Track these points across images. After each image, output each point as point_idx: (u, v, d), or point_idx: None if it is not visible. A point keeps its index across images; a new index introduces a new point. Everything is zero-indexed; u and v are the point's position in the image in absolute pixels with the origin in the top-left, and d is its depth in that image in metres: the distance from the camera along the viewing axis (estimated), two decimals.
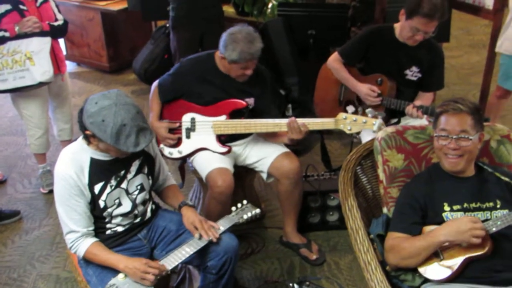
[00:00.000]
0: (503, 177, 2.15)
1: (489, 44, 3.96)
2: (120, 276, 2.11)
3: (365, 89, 3.05)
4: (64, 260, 3.06)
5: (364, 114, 2.66)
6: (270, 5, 4.76)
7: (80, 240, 2.17)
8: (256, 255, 3.11)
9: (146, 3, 4.80)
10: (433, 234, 2.00)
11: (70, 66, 5.82)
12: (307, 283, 2.59)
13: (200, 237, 2.24)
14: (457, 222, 1.97)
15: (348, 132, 2.67)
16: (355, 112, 3.08)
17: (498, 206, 2.08)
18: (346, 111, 2.78)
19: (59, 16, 3.49)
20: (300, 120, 2.71)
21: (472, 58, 6.00)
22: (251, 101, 2.90)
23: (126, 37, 5.68)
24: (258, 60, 2.83)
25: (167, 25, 4.76)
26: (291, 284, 2.67)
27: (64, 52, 5.00)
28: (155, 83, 3.00)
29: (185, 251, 2.20)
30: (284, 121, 2.73)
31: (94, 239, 2.19)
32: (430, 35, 2.90)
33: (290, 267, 3.01)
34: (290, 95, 4.33)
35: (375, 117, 2.61)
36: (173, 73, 2.93)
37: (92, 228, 2.20)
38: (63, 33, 3.58)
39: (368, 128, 2.63)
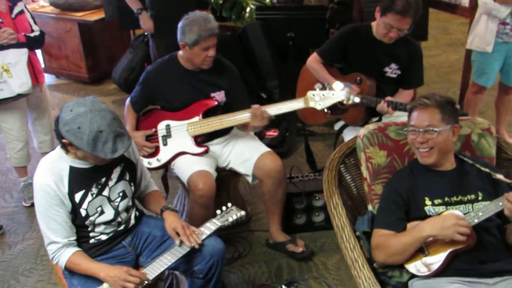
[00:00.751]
0: (483, 168, 2.17)
1: (467, 39, 4.01)
2: (105, 286, 2.07)
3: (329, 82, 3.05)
4: (49, 273, 3.01)
5: (331, 88, 2.71)
6: (248, 9, 4.77)
7: (61, 250, 2.13)
8: (243, 259, 3.09)
9: (123, 12, 4.76)
10: (418, 229, 2.01)
11: (49, 79, 5.76)
12: (296, 284, 2.57)
13: (181, 243, 2.21)
14: (442, 218, 1.98)
15: (319, 108, 2.71)
16: (323, 89, 3.10)
17: (480, 198, 2.10)
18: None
19: (35, 27, 3.45)
20: (270, 105, 2.75)
21: (451, 56, 6.06)
22: (221, 94, 2.92)
23: (104, 47, 5.64)
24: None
25: (146, 33, 4.73)
26: (279, 287, 2.65)
27: (42, 65, 4.95)
28: (127, 100, 3.02)
29: (168, 259, 2.16)
30: None
31: (76, 249, 2.15)
32: (405, 32, 2.93)
33: (277, 269, 3.00)
34: (272, 98, 4.33)
35: (342, 89, 2.66)
36: (141, 82, 2.95)
37: (73, 238, 2.16)
38: (40, 44, 3.53)
39: (337, 99, 2.67)
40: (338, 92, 2.67)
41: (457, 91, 4.72)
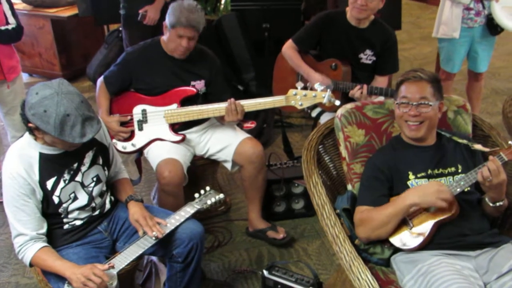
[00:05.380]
0: (460, 140, 2.18)
1: None
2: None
3: (318, 78, 3.06)
4: (24, 267, 2.93)
5: (313, 88, 2.71)
6: (223, 1, 4.76)
7: (28, 244, 2.03)
8: (223, 247, 3.06)
9: (97, 7, 4.72)
10: (400, 199, 2.00)
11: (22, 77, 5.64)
12: (276, 268, 2.54)
13: (145, 233, 2.16)
14: (424, 186, 1.99)
15: (299, 107, 2.73)
16: (305, 88, 3.11)
17: (459, 170, 2.12)
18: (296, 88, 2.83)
19: (11, 20, 3.27)
20: (252, 100, 2.75)
21: (424, 49, 6.15)
22: (201, 84, 2.89)
23: (78, 43, 5.55)
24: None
25: (120, 28, 4.68)
26: (260, 272, 2.62)
27: None
28: (100, 79, 2.94)
29: (135, 250, 2.10)
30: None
31: (43, 244, 2.05)
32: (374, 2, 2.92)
33: (258, 256, 2.97)
34: (248, 90, 4.31)
35: (324, 90, 2.66)
36: (120, 63, 2.89)
37: (42, 231, 2.07)
38: (13, 39, 3.35)
39: (318, 101, 2.68)
40: (319, 93, 2.67)
41: None
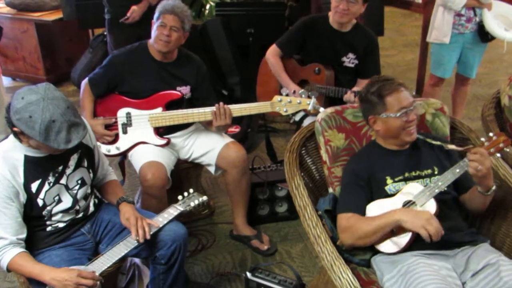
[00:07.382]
0: (434, 142, 2.23)
1: (421, 37, 4.13)
2: None
3: (295, 90, 3.11)
4: (4, 271, 2.91)
5: (297, 95, 2.77)
6: (207, 6, 4.78)
7: (7, 248, 2.01)
8: (207, 250, 3.07)
9: (82, 10, 4.71)
10: (391, 213, 2.00)
11: (5, 82, 5.61)
12: (260, 270, 2.57)
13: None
14: (418, 210, 2.00)
15: (284, 114, 2.76)
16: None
17: (436, 172, 2.16)
18: (281, 94, 2.87)
19: None
20: (237, 105, 2.76)
21: (407, 56, 6.22)
22: (187, 89, 2.91)
23: (62, 48, 5.52)
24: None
25: (105, 33, 4.68)
26: (244, 274, 2.64)
27: None
28: (84, 81, 2.93)
29: (121, 249, 2.12)
30: None
31: (21, 250, 2.03)
32: (355, 6, 2.97)
33: (242, 259, 2.99)
34: (233, 94, 4.34)
35: (308, 97, 2.71)
36: (105, 65, 2.89)
37: (22, 236, 2.06)
38: None
39: (303, 107, 2.72)
40: (304, 99, 2.71)
41: (414, 88, 4.90)
